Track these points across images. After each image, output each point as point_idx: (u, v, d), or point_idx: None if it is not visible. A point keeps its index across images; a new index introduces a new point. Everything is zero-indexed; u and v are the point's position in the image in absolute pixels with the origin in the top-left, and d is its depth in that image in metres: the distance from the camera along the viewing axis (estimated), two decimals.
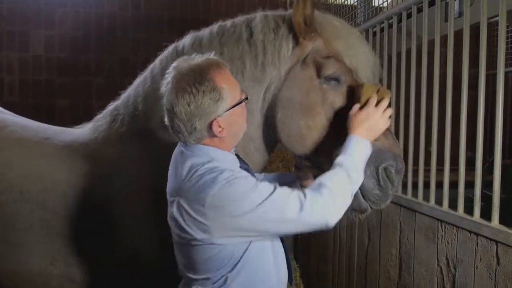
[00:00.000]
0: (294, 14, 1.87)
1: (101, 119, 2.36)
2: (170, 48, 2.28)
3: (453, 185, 2.11)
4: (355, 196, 1.70)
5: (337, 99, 1.87)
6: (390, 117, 1.75)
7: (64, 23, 5.36)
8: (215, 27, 2.17)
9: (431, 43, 2.31)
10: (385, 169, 1.77)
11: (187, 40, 2.22)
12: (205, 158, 1.51)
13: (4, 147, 2.25)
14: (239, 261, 1.52)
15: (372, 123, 1.68)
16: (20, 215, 2.12)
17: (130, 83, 2.56)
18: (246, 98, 1.58)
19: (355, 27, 3.28)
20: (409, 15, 2.57)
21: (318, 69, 1.89)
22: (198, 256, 1.52)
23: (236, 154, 1.70)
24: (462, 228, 1.96)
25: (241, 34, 2.04)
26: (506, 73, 2.05)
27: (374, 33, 3.04)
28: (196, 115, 1.45)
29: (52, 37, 5.34)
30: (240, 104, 1.55)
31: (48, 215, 2.10)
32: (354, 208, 1.82)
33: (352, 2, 3.66)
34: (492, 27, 4.87)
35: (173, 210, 1.52)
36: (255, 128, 2.01)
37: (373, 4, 3.34)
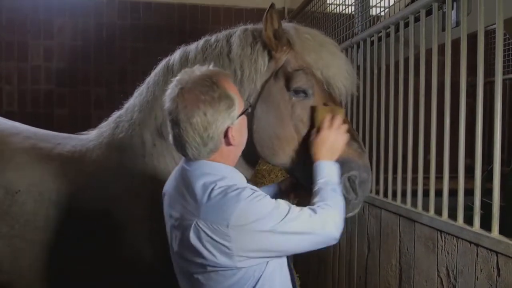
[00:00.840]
0: (264, 29, 1.96)
1: (106, 125, 2.53)
2: (163, 62, 2.40)
3: (453, 192, 2.10)
4: None
5: (305, 112, 1.93)
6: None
7: (62, 33, 5.37)
8: (201, 42, 2.26)
9: (428, 52, 2.31)
10: (348, 178, 1.84)
11: (176, 54, 2.33)
12: (216, 176, 1.48)
13: (22, 151, 2.38)
14: (257, 282, 1.50)
15: (330, 144, 1.77)
16: (38, 214, 2.24)
17: (129, 92, 2.61)
18: (250, 106, 1.63)
19: (353, 36, 3.29)
20: (406, 25, 2.57)
21: (287, 81, 1.95)
22: (218, 283, 1.47)
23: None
24: (462, 239, 1.94)
25: (222, 49, 2.12)
26: (504, 81, 2.04)
27: (372, 43, 3.04)
28: (213, 123, 1.44)
29: (50, 47, 5.35)
30: (244, 113, 1.57)
31: (61, 214, 2.24)
32: None
33: (349, 11, 3.66)
34: (490, 35, 4.90)
35: (189, 235, 1.44)
36: None
37: (371, 14, 3.34)
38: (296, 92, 1.94)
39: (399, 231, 2.51)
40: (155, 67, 2.48)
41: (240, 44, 2.06)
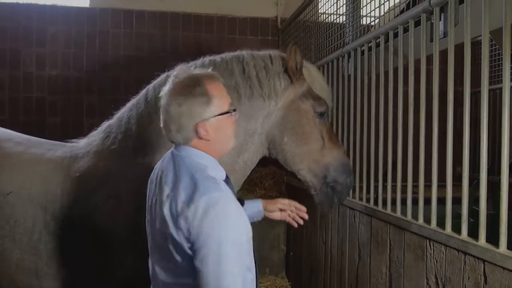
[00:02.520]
0: (288, 61, 2.44)
1: (95, 135, 2.60)
2: (163, 76, 2.51)
3: (442, 201, 2.12)
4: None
5: (323, 129, 2.52)
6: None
7: (55, 41, 5.37)
8: (205, 60, 2.51)
9: (417, 62, 2.35)
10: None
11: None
12: (200, 165, 1.60)
13: (14, 155, 2.47)
14: None
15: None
16: (27, 215, 2.33)
17: (121, 100, 2.61)
18: (234, 110, 1.70)
19: (345, 45, 3.33)
20: (396, 35, 2.61)
21: (313, 106, 2.49)
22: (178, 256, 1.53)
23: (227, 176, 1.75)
24: (450, 247, 1.96)
25: (233, 68, 2.47)
26: (490, 91, 2.07)
27: (362, 52, 3.08)
28: (185, 115, 1.57)
29: (43, 55, 5.34)
30: (229, 115, 1.66)
31: (48, 216, 2.32)
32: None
33: (341, 21, 3.70)
34: (477, 46, 4.95)
35: (164, 208, 1.55)
36: (255, 146, 2.51)
37: (362, 23, 3.38)
38: (321, 114, 2.50)
39: (389, 239, 2.53)
40: (156, 75, 2.55)
41: (255, 66, 2.48)
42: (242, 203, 1.96)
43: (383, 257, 2.60)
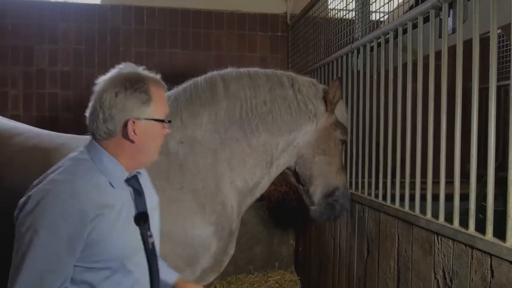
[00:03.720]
0: (329, 92, 2.74)
1: None
2: (202, 81, 2.68)
3: (450, 197, 2.14)
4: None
5: (341, 154, 2.92)
6: None
7: (67, 37, 5.43)
8: (251, 70, 2.72)
9: (426, 58, 2.36)
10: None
11: (229, 76, 2.67)
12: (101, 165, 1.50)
13: (24, 151, 2.41)
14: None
15: None
16: None
17: None
18: (169, 121, 1.62)
19: (354, 41, 3.34)
20: (404, 31, 2.62)
21: (340, 134, 2.82)
22: None
23: (135, 176, 1.64)
24: (458, 241, 1.98)
25: (284, 82, 2.70)
26: (498, 87, 2.08)
27: (372, 48, 3.09)
28: (118, 106, 1.48)
29: (55, 51, 5.41)
30: (162, 125, 1.58)
31: None
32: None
33: (350, 17, 3.71)
34: (486, 42, 4.89)
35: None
36: (288, 156, 2.74)
37: (371, 19, 3.39)
38: (342, 142, 2.89)
39: (397, 234, 2.55)
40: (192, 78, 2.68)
41: (304, 84, 2.76)
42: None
43: (391, 251, 2.62)
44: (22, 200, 1.41)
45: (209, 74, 2.69)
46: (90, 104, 1.54)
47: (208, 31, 5.64)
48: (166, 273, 1.89)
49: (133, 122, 1.49)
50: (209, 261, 2.34)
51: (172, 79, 5.86)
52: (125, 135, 1.50)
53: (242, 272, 4.87)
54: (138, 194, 1.61)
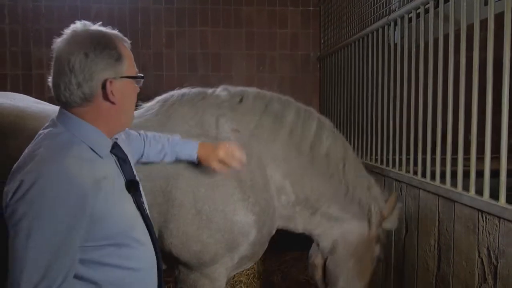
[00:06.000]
0: (385, 208, 2.65)
1: (149, 108, 2.46)
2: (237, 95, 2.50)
3: (495, 174, 2.05)
4: None
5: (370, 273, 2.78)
6: None
7: (99, 19, 5.41)
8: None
9: (470, 28, 2.23)
10: None
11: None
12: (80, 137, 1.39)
13: None
14: None
15: None
16: None
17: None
18: (142, 77, 1.52)
19: (391, 13, 3.22)
20: (446, 0, 2.49)
21: (378, 250, 2.74)
22: None
23: (116, 143, 1.55)
24: (504, 219, 1.90)
25: (371, 181, 2.70)
26: None
27: (410, 19, 2.96)
28: (92, 68, 1.36)
29: None
30: (134, 81, 1.49)
31: None
32: None
33: None
34: None
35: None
36: (329, 235, 2.65)
37: None
38: (378, 259, 2.78)
39: (438, 212, 2.48)
40: None
41: (373, 188, 2.68)
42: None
43: (431, 229, 2.56)
44: (10, 186, 1.28)
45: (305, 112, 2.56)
46: (53, 71, 1.42)
47: (238, 8, 5.56)
48: (183, 147, 2.02)
49: (110, 82, 1.39)
50: (247, 249, 2.30)
51: (203, 56, 5.84)
52: (105, 96, 1.40)
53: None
54: (123, 161, 1.54)
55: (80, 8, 5.44)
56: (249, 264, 2.52)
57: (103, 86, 1.39)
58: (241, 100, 2.46)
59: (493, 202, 2.00)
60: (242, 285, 4.02)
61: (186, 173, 2.19)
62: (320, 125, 2.55)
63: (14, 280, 1.23)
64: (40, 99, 2.94)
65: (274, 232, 2.52)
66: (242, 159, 2.06)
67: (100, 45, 1.39)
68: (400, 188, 2.97)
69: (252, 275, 4.14)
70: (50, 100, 3.18)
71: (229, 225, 2.21)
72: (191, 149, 2.05)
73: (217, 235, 2.20)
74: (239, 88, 2.51)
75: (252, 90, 2.52)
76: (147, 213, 1.59)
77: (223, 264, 2.28)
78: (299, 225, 2.60)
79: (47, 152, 1.33)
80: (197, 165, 2.14)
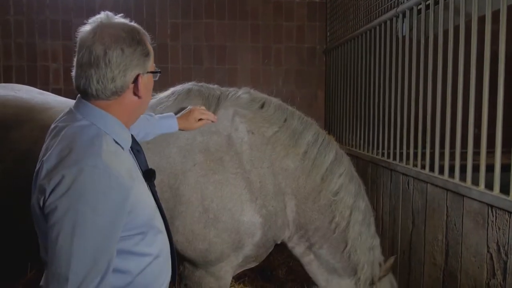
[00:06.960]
0: (383, 269, 2.51)
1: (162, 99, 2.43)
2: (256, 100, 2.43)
3: (506, 168, 2.02)
4: None
5: None
6: None
7: (104, 10, 5.43)
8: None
9: (481, 19, 2.19)
10: None
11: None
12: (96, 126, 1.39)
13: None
14: None
15: None
16: None
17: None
18: (159, 72, 1.55)
19: (399, 5, 3.17)
20: None
21: None
22: None
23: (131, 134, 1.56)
24: None
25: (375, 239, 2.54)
26: None
27: (419, 11, 2.92)
28: (126, 63, 1.38)
29: None
30: (153, 75, 1.52)
31: None
32: None
33: None
34: None
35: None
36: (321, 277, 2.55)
37: None
38: None
39: (446, 206, 2.46)
40: None
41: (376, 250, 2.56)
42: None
43: (439, 224, 2.53)
44: (50, 182, 1.26)
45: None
46: (83, 63, 1.38)
47: (243, 0, 5.52)
48: (163, 123, 2.09)
49: (142, 77, 1.43)
50: (252, 250, 2.26)
51: (208, 49, 5.81)
52: (135, 91, 1.43)
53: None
54: (138, 151, 1.57)
55: (85, 0, 5.41)
56: (254, 263, 2.49)
57: (134, 81, 1.42)
58: (262, 106, 2.38)
59: (503, 196, 1.97)
60: (246, 278, 4.02)
61: (195, 170, 2.17)
62: (338, 159, 2.41)
63: (61, 276, 1.24)
64: (45, 90, 2.94)
65: (279, 241, 2.45)
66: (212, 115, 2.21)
67: (134, 40, 1.41)
68: (408, 182, 2.94)
69: (256, 269, 4.14)
70: (54, 91, 3.18)
71: (236, 225, 2.18)
72: (170, 125, 2.13)
73: (224, 235, 2.17)
74: (261, 94, 2.46)
75: (275, 100, 2.45)
76: (160, 202, 1.63)
77: (228, 262, 2.26)
78: (297, 251, 2.52)
79: (81, 146, 1.33)
80: (207, 162, 2.17)
